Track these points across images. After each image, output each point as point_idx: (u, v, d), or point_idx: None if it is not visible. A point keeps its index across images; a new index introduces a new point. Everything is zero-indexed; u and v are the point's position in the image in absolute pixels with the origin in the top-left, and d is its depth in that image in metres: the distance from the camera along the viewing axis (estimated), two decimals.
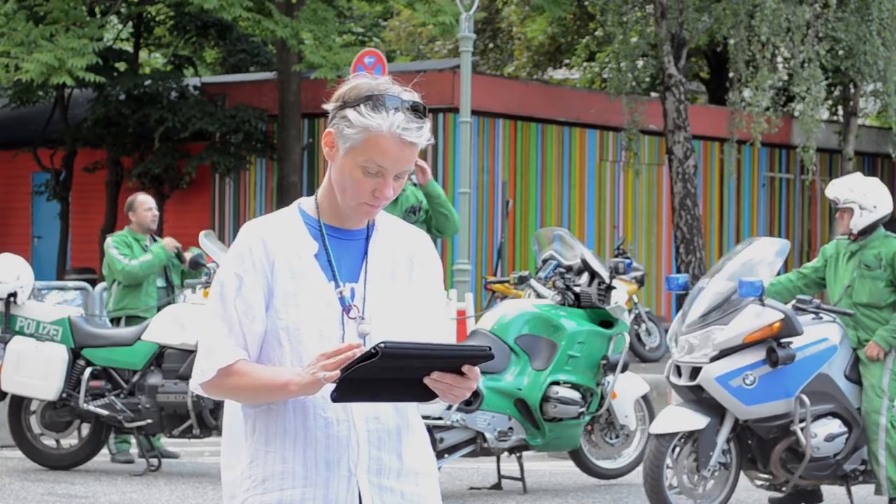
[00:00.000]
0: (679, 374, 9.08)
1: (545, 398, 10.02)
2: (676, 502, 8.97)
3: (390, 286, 3.47)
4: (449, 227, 9.89)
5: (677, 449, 8.95)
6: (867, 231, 9.23)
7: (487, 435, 9.93)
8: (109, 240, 11.91)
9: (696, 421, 8.88)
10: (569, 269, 10.57)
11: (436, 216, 9.84)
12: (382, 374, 3.19)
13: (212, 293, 3.43)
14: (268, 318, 3.39)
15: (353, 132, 3.35)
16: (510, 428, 9.98)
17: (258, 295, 3.39)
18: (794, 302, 9.04)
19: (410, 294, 3.49)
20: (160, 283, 11.98)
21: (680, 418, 8.96)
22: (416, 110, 3.35)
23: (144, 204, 12.01)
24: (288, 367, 3.36)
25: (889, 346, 9.04)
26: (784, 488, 9.20)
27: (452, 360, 3.21)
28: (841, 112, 28.76)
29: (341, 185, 3.40)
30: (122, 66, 25.34)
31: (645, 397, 10.94)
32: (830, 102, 28.34)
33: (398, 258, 3.50)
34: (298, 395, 3.31)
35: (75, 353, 11.07)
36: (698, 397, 8.96)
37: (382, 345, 3.11)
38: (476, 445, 9.97)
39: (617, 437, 10.78)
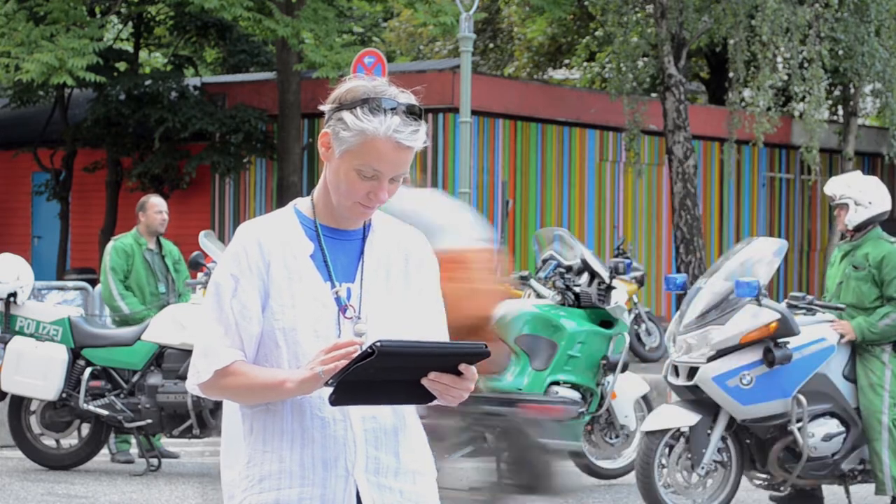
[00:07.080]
0: (677, 374, 9.09)
1: None
2: (673, 501, 8.98)
3: (386, 286, 3.47)
4: None
5: (671, 447, 8.97)
6: (862, 228, 9.23)
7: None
8: (110, 247, 11.86)
9: (687, 418, 8.90)
10: (569, 269, 10.57)
11: None
12: (380, 375, 3.18)
13: (208, 294, 3.43)
14: (264, 319, 3.39)
15: (349, 135, 3.35)
16: None
17: (254, 296, 3.39)
18: (787, 299, 9.05)
19: (407, 293, 3.49)
20: (162, 288, 11.97)
21: (670, 416, 8.98)
22: (413, 113, 3.35)
23: (156, 206, 12.00)
24: (285, 368, 3.36)
25: (862, 336, 9.02)
26: (782, 487, 9.21)
27: (448, 357, 3.20)
28: (841, 112, 28.76)
29: (336, 187, 3.40)
30: (122, 66, 25.35)
31: (645, 397, 10.95)
32: (830, 102, 28.34)
33: (394, 258, 3.50)
34: (296, 393, 3.30)
35: (75, 353, 11.08)
36: (696, 397, 8.97)
37: (378, 343, 3.11)
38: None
39: (617, 437, 10.79)
